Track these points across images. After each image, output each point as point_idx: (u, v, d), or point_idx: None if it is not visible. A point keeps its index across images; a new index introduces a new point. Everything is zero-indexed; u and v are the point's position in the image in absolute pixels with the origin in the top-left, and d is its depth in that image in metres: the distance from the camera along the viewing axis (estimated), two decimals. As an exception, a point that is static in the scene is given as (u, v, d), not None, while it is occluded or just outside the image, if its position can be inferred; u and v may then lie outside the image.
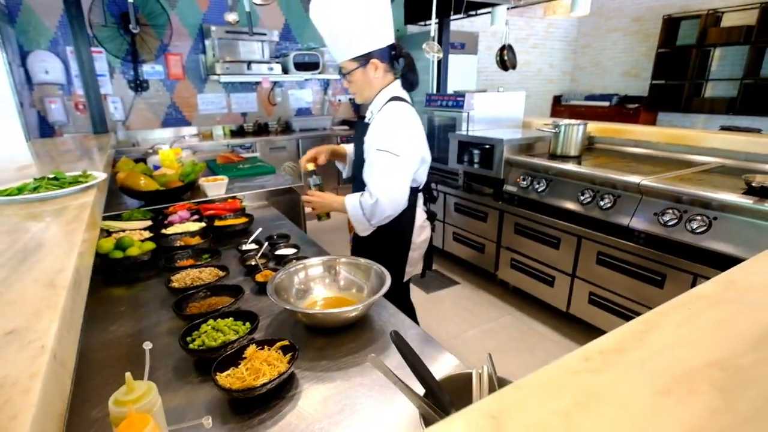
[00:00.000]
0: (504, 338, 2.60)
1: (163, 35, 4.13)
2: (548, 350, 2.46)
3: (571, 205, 2.50)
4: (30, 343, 0.56)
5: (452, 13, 4.43)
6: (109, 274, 1.40)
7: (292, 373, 0.88)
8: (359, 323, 1.09)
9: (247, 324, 1.00)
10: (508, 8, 4.12)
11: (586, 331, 2.56)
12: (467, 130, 3.39)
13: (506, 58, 4.44)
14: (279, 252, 1.43)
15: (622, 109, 6.71)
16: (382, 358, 0.90)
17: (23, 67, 3.57)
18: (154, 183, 1.89)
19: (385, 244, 1.59)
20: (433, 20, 3.69)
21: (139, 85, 4.15)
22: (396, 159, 1.42)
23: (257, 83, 4.86)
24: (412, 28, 5.74)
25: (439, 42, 4.22)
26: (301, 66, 4.59)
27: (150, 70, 4.19)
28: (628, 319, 2.24)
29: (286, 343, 0.91)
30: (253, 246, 1.49)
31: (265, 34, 4.41)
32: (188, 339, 0.95)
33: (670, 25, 6.14)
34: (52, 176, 1.32)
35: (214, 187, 2.00)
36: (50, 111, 3.70)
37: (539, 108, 7.77)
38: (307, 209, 1.59)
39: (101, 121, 2.92)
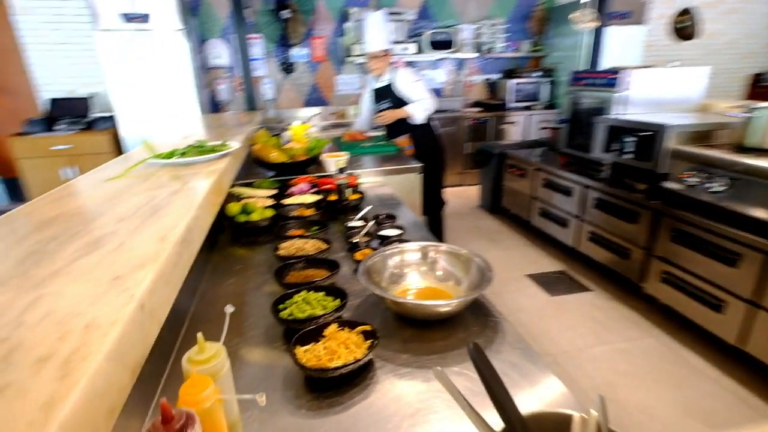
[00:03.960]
0: (642, 364, 2.17)
1: (310, 20, 4.45)
2: (702, 389, 1.98)
3: (762, 214, 1.92)
4: (125, 291, 0.60)
5: (617, -25, 3.76)
6: (235, 235, 1.54)
7: (368, 361, 0.82)
8: (453, 320, 0.98)
9: (337, 301, 0.98)
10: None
11: (764, 376, 1.98)
12: (620, 114, 2.88)
13: (686, 25, 3.61)
14: (382, 232, 1.38)
15: None
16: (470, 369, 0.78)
17: (201, 54, 4.24)
18: (283, 155, 2.03)
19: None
20: (591, -16, 3.19)
21: (287, 67, 4.57)
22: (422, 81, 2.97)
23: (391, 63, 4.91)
24: (562, -1, 5.10)
25: (599, 12, 3.64)
26: (435, 45, 4.48)
27: (297, 53, 4.57)
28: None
29: (368, 328, 0.85)
30: (360, 223, 1.48)
31: (401, 14, 4.40)
32: (280, 307, 0.97)
33: None
34: (197, 144, 1.50)
35: (335, 163, 2.07)
36: (218, 91, 4.34)
37: (727, 90, 6.24)
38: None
39: (252, 99, 3.29)
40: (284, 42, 4.50)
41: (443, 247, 1.09)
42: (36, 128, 3.85)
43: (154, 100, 3.64)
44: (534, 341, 2.35)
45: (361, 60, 4.59)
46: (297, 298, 0.98)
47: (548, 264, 3.26)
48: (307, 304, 0.95)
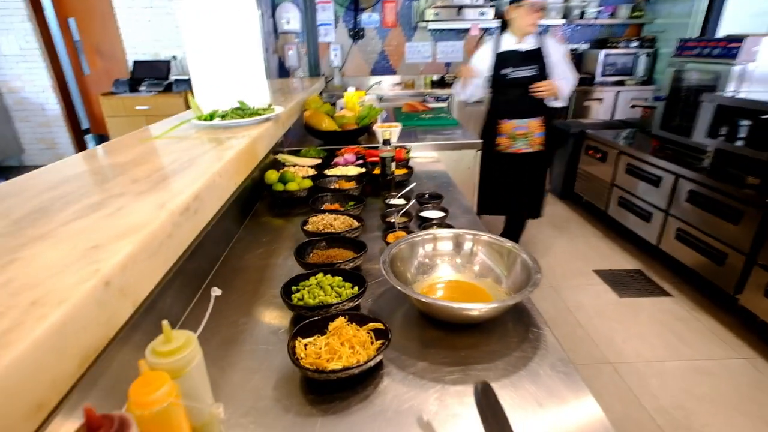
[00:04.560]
0: (726, 388, 1.85)
1: (383, -18, 4.23)
2: (804, 432, 1.63)
3: None
4: (93, 263, 0.53)
5: None
6: (272, 203, 1.49)
7: (375, 365, 0.71)
8: (487, 326, 0.83)
9: (354, 289, 0.87)
10: None
11: None
12: (736, 91, 2.38)
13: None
14: (423, 213, 1.24)
15: None
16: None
17: (272, 18, 4.22)
18: (333, 124, 1.93)
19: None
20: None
21: (356, 33, 4.42)
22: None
23: (465, 30, 4.56)
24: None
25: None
26: (516, 9, 4.04)
27: (367, 18, 4.39)
28: None
29: (380, 326, 0.74)
30: (401, 201, 1.35)
31: (482, -26, 4.02)
32: (294, 288, 0.88)
33: None
34: (239, 107, 1.44)
35: (382, 134, 1.93)
36: (288, 56, 4.32)
37: None
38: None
39: (315, 66, 3.21)
40: (355, 6, 4.34)
41: (485, 237, 0.93)
42: (121, 89, 4.14)
43: (224, 63, 3.71)
44: (593, 346, 2.10)
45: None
46: (312, 280, 0.89)
47: (621, 260, 2.90)
48: (321, 290, 0.86)
